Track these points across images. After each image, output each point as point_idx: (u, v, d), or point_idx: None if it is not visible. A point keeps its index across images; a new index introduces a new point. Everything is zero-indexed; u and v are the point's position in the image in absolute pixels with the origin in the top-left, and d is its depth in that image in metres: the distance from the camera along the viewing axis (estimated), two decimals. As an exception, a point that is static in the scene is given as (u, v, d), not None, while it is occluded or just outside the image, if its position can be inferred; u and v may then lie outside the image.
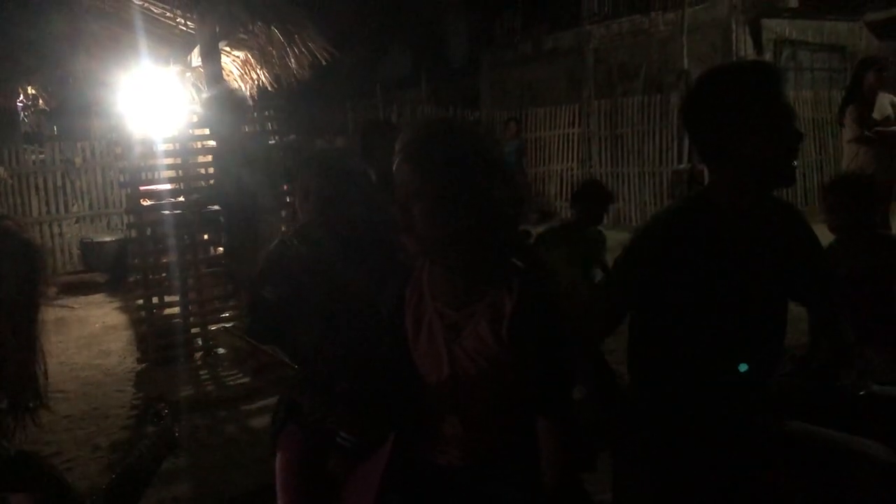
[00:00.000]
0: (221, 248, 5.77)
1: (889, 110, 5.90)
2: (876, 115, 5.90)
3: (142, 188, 5.42)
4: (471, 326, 1.63)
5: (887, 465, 1.62)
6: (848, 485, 1.65)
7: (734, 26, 11.85)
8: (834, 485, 1.67)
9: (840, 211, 2.91)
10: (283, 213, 5.50)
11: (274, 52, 6.58)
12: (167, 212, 5.32)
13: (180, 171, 5.39)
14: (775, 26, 12.03)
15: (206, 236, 5.71)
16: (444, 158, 1.53)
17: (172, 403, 1.73)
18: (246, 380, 4.08)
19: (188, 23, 6.73)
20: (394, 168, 1.57)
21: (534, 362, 1.59)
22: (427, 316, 1.68)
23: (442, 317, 1.66)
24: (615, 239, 9.19)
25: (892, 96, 6.00)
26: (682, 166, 10.31)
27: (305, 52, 6.54)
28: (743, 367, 1.83)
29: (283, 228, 5.43)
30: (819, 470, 1.69)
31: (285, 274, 2.09)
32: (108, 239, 9.06)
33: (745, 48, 11.87)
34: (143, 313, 5.24)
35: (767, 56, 11.96)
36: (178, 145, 5.39)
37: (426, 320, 1.68)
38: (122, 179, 5.99)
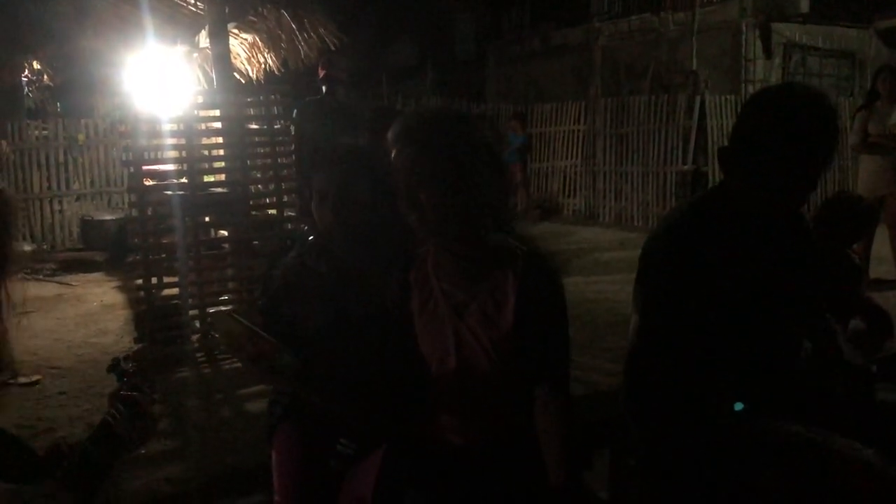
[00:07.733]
0: (224, 231, 5.74)
1: None
2: (876, 125, 5.79)
3: (145, 168, 5.40)
4: (476, 304, 1.66)
5: (878, 469, 1.58)
6: (836, 487, 1.62)
7: (744, 29, 11.81)
8: (822, 487, 1.64)
9: (821, 223, 3.16)
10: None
11: (283, 36, 6.56)
12: (170, 192, 5.30)
13: (184, 152, 5.36)
14: (785, 30, 11.99)
15: (207, 218, 5.70)
16: (446, 142, 1.58)
17: (140, 362, 1.66)
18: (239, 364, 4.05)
19: (197, 3, 6.71)
20: (394, 154, 1.61)
21: (536, 341, 1.63)
22: (433, 296, 1.71)
23: (447, 296, 1.69)
24: (615, 238, 9.25)
25: None
26: (686, 167, 10.30)
27: (314, 37, 6.53)
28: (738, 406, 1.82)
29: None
30: (808, 471, 1.67)
31: (302, 296, 1.99)
32: (108, 217, 9.04)
33: (754, 51, 11.83)
34: (141, 293, 5.22)
35: (776, 60, 11.93)
36: (183, 126, 5.37)
37: (431, 301, 1.71)
38: (125, 158, 5.96)
